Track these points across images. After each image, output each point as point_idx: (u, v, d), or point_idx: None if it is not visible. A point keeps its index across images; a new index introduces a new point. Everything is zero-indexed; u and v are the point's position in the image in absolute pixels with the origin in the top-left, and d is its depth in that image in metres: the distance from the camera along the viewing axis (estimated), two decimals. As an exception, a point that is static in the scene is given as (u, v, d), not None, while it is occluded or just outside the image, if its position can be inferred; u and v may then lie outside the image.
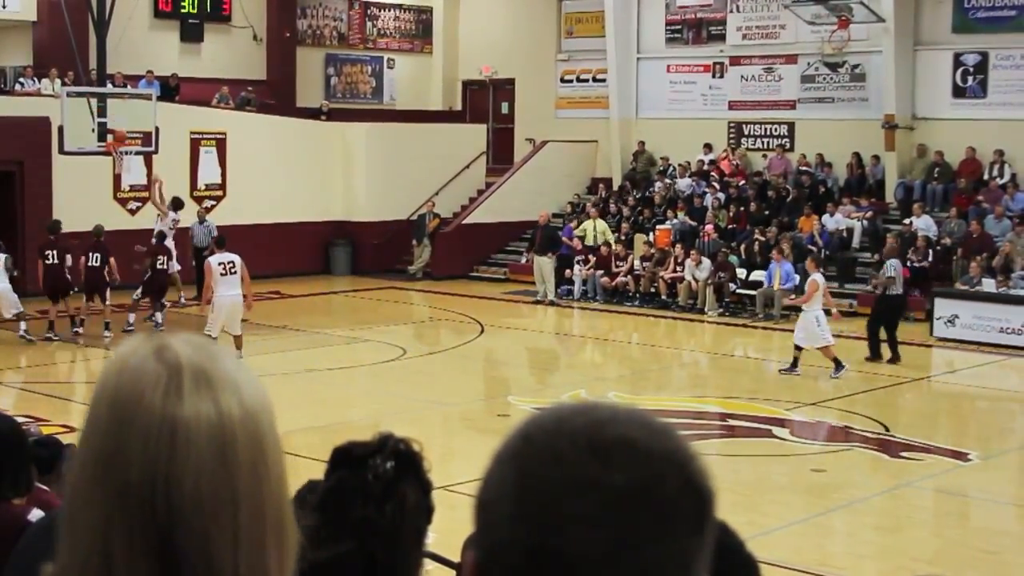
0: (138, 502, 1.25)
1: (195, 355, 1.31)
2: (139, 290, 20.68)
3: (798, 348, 17.85)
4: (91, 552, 1.26)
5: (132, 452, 1.26)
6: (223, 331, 17.39)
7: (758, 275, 23.76)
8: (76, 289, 19.84)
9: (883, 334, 19.06)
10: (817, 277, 18.00)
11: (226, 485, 1.27)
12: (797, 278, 23.19)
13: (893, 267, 19.24)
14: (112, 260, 19.89)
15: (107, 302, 19.93)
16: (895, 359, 18.83)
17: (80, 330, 19.65)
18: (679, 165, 29.16)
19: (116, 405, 1.28)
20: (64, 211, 23.09)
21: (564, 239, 26.29)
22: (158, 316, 20.90)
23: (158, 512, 1.25)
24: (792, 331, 18.51)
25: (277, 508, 1.32)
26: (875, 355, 19.03)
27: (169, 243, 21.38)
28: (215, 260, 17.44)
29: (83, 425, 1.31)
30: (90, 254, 19.81)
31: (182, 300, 22.06)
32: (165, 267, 20.76)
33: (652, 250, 25.54)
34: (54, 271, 19.42)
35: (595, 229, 26.69)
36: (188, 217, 24.14)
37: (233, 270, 17.35)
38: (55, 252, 19.51)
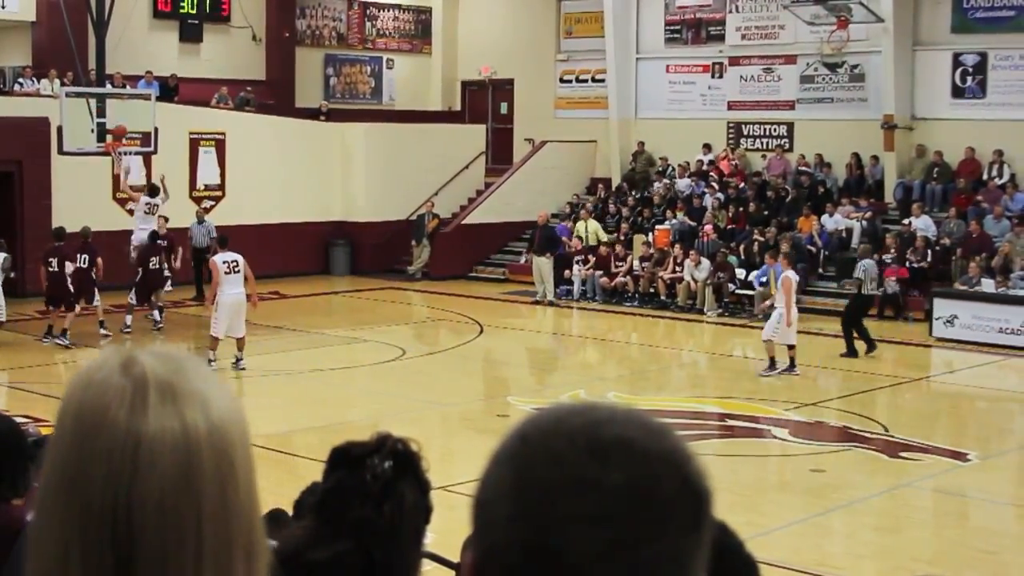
0: (99, 520, 1.23)
1: (162, 369, 1.29)
2: (132, 292, 20.63)
3: (791, 347, 17.85)
4: (52, 570, 1.25)
5: (95, 469, 1.24)
6: (227, 335, 17.44)
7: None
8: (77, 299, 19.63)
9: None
10: (790, 274, 18.01)
11: (190, 503, 1.25)
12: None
13: (862, 268, 19.54)
14: (99, 260, 19.80)
15: (96, 303, 19.80)
16: (871, 349, 19.16)
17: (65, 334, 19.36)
18: (678, 165, 29.16)
19: (80, 420, 1.27)
20: (63, 212, 23.10)
21: (563, 239, 26.34)
22: (155, 314, 20.87)
23: (118, 531, 1.23)
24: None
25: (246, 526, 1.30)
26: (851, 352, 19.20)
27: (162, 242, 21.28)
28: (220, 259, 17.49)
29: (50, 440, 1.30)
30: (78, 255, 19.74)
31: (165, 270, 21.58)
32: (158, 267, 20.73)
33: (651, 250, 25.54)
34: (55, 278, 19.30)
35: (587, 230, 26.77)
36: (184, 214, 24.15)
37: (237, 269, 17.41)
38: (57, 259, 19.38)
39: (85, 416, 1.27)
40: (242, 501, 1.30)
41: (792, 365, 17.85)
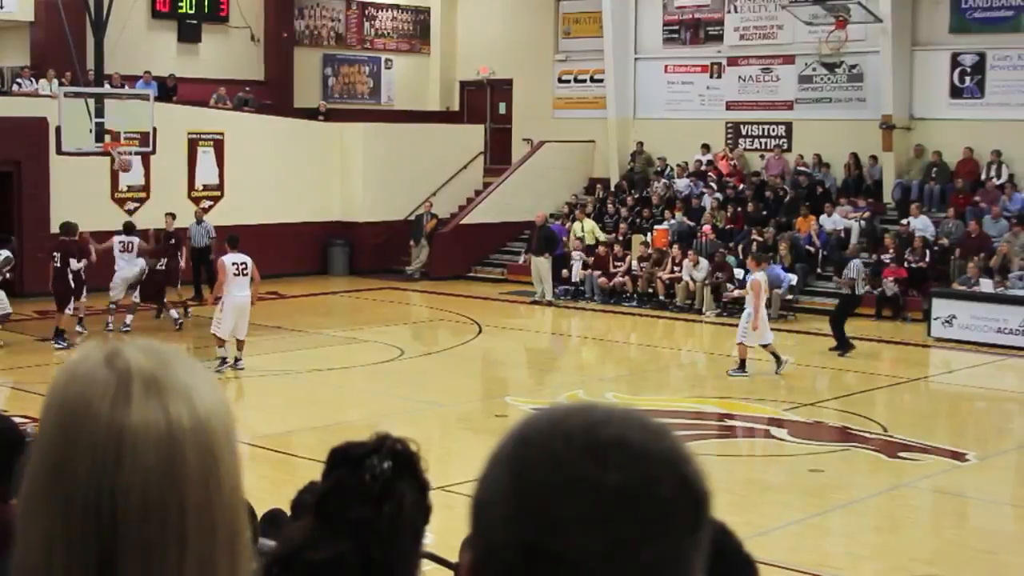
0: (82, 512, 1.24)
1: (147, 362, 1.29)
2: (136, 292, 20.61)
3: (765, 346, 17.80)
4: (37, 563, 1.26)
5: (78, 462, 1.25)
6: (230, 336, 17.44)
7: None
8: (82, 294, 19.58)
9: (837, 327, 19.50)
10: (759, 276, 17.99)
11: (173, 496, 1.26)
12: (793, 277, 23.24)
13: (854, 268, 19.62)
14: (90, 257, 19.76)
15: (83, 298, 19.71)
16: (846, 350, 19.25)
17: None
18: (677, 165, 29.17)
19: (64, 414, 1.27)
20: (62, 212, 23.05)
21: (563, 239, 26.37)
22: (173, 312, 20.84)
23: (102, 523, 1.24)
24: (785, 333, 18.46)
25: (230, 520, 1.31)
26: (846, 346, 19.29)
27: (172, 240, 21.29)
28: (228, 260, 17.43)
29: (35, 433, 1.30)
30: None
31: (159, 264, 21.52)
32: (164, 267, 20.74)
33: (650, 250, 25.54)
34: (56, 274, 19.25)
35: (583, 230, 26.79)
36: (182, 214, 24.12)
37: (245, 271, 17.36)
38: (60, 255, 19.31)
39: (69, 409, 1.27)
40: (226, 494, 1.30)
41: (778, 361, 17.71)
